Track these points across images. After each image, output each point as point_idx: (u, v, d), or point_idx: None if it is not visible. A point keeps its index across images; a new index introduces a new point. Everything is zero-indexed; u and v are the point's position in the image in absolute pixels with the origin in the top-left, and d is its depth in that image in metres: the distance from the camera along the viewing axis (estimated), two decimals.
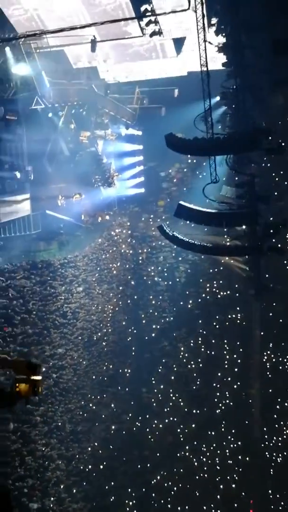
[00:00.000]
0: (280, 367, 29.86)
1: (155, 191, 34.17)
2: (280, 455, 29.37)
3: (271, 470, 29.41)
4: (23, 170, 25.21)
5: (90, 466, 26.57)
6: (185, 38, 25.12)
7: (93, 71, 28.59)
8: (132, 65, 28.42)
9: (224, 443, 29.78)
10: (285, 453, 29.23)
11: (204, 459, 29.55)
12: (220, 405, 30.46)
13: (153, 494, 28.56)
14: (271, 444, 29.62)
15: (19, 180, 25.09)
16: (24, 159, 25.30)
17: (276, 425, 29.50)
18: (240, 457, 29.70)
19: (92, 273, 30.03)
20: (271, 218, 25.33)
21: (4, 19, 23.97)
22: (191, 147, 21.29)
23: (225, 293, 31.48)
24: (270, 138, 21.13)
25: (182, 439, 29.85)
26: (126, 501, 27.59)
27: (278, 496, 28.70)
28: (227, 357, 30.88)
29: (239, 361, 30.73)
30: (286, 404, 29.41)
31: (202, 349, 31.17)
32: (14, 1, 23.79)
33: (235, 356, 30.79)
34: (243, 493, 29.25)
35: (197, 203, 24.30)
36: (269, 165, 27.26)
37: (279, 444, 29.46)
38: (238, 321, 31.04)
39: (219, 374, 30.69)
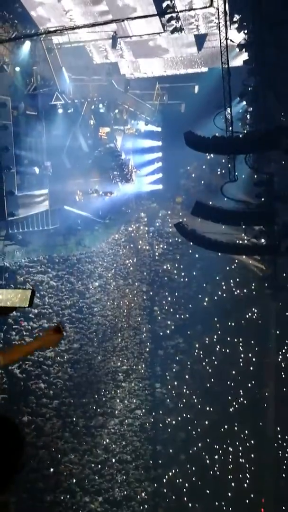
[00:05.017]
0: None
1: (173, 188, 34.13)
2: None
3: (284, 469, 29.33)
4: (42, 165, 25.31)
5: (102, 460, 26.77)
6: (206, 34, 24.85)
7: (114, 66, 28.58)
8: (152, 61, 28.30)
9: (237, 441, 29.77)
10: None
11: (217, 457, 29.59)
12: (234, 403, 30.44)
13: (165, 490, 28.71)
14: (284, 444, 29.51)
15: (38, 175, 25.21)
16: (43, 155, 25.38)
17: None
18: (252, 455, 29.67)
19: (108, 269, 30.16)
20: None
21: (26, 15, 24.01)
22: (210, 146, 21.12)
23: (241, 292, 31.38)
24: None
25: (195, 436, 29.91)
26: (138, 496, 27.77)
27: None
28: (242, 355, 30.80)
29: (254, 359, 30.65)
30: None
31: (217, 347, 31.15)
32: None
33: (250, 354, 30.70)
34: (255, 492, 29.25)
35: (215, 201, 24.18)
36: None
37: None
38: (254, 320, 30.93)
39: (233, 372, 30.65)
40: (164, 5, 21.87)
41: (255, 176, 24.80)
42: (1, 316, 3.86)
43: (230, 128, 20.52)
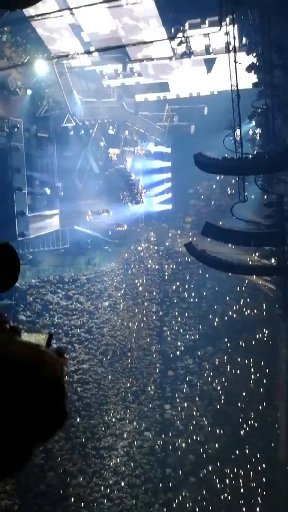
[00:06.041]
0: None
1: (183, 208, 34.25)
2: None
3: None
4: (53, 186, 25.62)
5: (111, 483, 26.42)
6: (216, 57, 25.15)
7: (124, 89, 28.97)
8: (162, 83, 28.64)
9: (248, 464, 29.23)
10: None
11: (227, 480, 29.05)
12: (245, 425, 29.97)
13: None
14: None
15: (49, 196, 25.48)
16: (55, 176, 25.72)
17: None
18: (264, 479, 29.08)
19: (118, 288, 30.16)
20: None
21: (39, 40, 24.52)
22: (220, 167, 21.21)
23: (251, 312, 31.15)
24: None
25: (205, 458, 29.43)
26: None
27: None
28: (253, 376, 30.43)
29: (264, 381, 30.25)
30: None
31: (228, 368, 30.83)
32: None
33: (260, 375, 30.32)
34: None
35: (225, 221, 24.18)
36: None
37: None
38: (265, 341, 30.63)
39: (244, 393, 30.23)
40: (174, 29, 22.26)
41: (265, 197, 24.87)
42: None
43: (240, 149, 20.63)
